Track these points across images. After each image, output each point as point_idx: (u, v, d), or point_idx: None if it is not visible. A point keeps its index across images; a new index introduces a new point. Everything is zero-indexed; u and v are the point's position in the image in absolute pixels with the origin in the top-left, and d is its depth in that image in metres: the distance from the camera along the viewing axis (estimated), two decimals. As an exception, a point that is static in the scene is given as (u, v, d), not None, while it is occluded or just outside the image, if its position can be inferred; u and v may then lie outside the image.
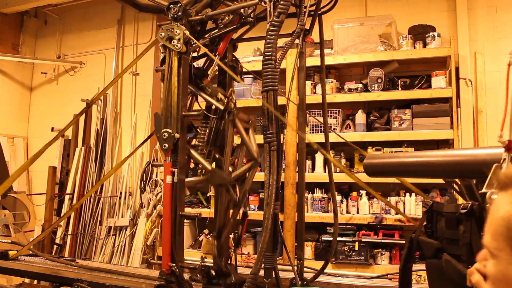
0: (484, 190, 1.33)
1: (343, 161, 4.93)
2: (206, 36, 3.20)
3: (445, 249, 1.68)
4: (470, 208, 1.59)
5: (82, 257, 5.69)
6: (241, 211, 3.15)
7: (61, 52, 7.11)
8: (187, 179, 3.06)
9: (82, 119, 6.38)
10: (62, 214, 6.05)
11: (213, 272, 3.07)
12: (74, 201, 6.01)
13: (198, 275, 3.04)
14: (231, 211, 3.05)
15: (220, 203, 3.23)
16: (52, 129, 6.34)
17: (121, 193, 5.99)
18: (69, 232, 5.98)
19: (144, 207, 5.43)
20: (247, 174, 3.05)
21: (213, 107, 3.12)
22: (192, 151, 3.04)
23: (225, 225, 3.17)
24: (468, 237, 1.58)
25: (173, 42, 2.94)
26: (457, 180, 1.86)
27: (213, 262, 3.07)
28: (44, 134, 6.35)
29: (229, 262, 3.43)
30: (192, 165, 3.20)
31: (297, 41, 3.31)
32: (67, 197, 6.16)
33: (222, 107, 3.01)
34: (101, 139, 6.29)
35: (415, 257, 1.88)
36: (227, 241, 3.21)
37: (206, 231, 5.28)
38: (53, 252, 5.91)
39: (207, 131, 3.17)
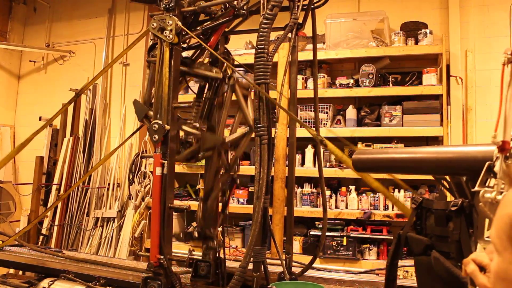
0: (476, 188, 1.33)
1: (332, 156, 4.93)
2: (199, 28, 3.17)
3: (434, 246, 1.68)
4: (460, 206, 1.59)
5: (68, 248, 5.64)
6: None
7: (50, 41, 7.01)
8: (180, 155, 3.05)
9: (70, 109, 6.31)
10: (49, 205, 6.00)
11: (196, 234, 3.07)
12: (62, 192, 5.95)
13: (181, 235, 3.04)
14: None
15: (209, 167, 3.22)
16: (40, 118, 6.26)
17: (109, 184, 5.95)
18: (56, 222, 5.93)
19: (132, 198, 5.40)
20: (241, 140, 3.06)
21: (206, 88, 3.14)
22: (183, 126, 3.03)
23: (213, 189, 3.16)
24: (457, 234, 1.58)
25: (165, 32, 2.91)
26: (446, 177, 1.86)
27: (197, 224, 3.06)
28: (32, 123, 6.26)
29: (217, 255, 3.44)
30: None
31: (289, 35, 3.30)
32: (54, 187, 6.11)
33: (220, 76, 3.02)
34: (89, 129, 6.23)
35: (402, 253, 1.88)
36: (213, 205, 3.21)
37: (194, 223, 5.27)
38: (39, 243, 5.86)
39: (200, 108, 3.19)
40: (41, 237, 5.96)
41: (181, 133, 3.17)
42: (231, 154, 3.27)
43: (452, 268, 1.50)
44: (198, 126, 3.15)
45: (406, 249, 1.84)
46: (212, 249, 3.08)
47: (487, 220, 1.33)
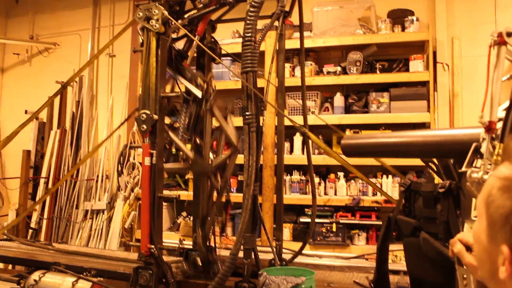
0: (464, 168, 1.35)
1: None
2: (185, 16, 3.15)
3: (422, 228, 1.71)
4: (448, 187, 1.62)
5: (58, 241, 5.62)
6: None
7: (34, 33, 6.90)
8: (168, 165, 3.05)
9: (57, 101, 6.24)
10: (37, 198, 5.96)
11: (199, 262, 3.10)
12: (50, 185, 5.91)
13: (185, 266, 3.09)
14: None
15: (202, 191, 3.23)
16: (26, 112, 6.19)
17: (98, 176, 5.92)
18: (45, 216, 5.89)
19: (121, 190, 5.38)
20: (228, 161, 3.06)
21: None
22: (174, 137, 3.02)
23: (209, 213, 3.18)
24: (445, 215, 1.61)
25: (151, 22, 2.89)
26: (434, 160, 1.88)
27: (199, 251, 3.10)
28: (17, 117, 6.17)
29: (207, 243, 3.45)
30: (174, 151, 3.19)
31: (276, 23, 3.29)
32: (42, 181, 6.06)
33: (200, 95, 3.00)
34: (77, 122, 6.17)
35: (392, 236, 1.91)
36: (211, 230, 3.23)
37: (184, 213, 5.27)
38: (28, 237, 5.82)
39: (188, 115, 3.17)
40: (30, 231, 5.92)
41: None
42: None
43: (441, 248, 1.53)
44: (186, 137, 3.13)
45: (395, 234, 1.87)
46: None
47: (474, 200, 1.36)
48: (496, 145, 1.37)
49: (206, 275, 3.29)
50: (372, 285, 2.02)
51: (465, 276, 1.30)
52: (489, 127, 1.36)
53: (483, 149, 1.39)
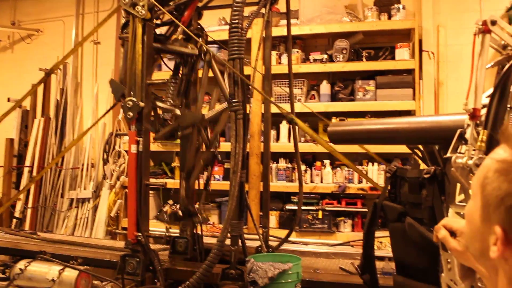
0: (449, 154, 1.37)
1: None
2: (171, 3, 3.12)
3: (408, 213, 1.73)
4: (433, 173, 1.64)
5: (43, 230, 5.57)
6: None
7: (16, 19, 6.77)
8: (160, 133, 3.04)
9: (40, 89, 6.14)
10: (21, 187, 5.89)
11: (180, 213, 3.12)
12: (34, 174, 5.85)
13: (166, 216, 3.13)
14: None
15: (190, 144, 3.23)
16: (9, 100, 6.09)
17: (83, 164, 5.87)
18: (29, 205, 5.83)
19: (107, 178, 5.35)
20: (221, 116, 3.06)
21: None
22: (160, 104, 3.02)
23: (195, 167, 3.18)
24: (430, 200, 1.63)
25: (137, 8, 2.86)
26: (420, 146, 1.91)
27: (180, 203, 3.11)
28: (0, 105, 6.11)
29: (194, 231, 3.46)
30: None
31: (263, 10, 3.28)
32: (26, 169, 5.99)
33: (196, 52, 3.01)
34: (61, 110, 6.10)
35: (378, 221, 1.93)
36: (195, 182, 3.25)
37: (170, 201, 5.27)
38: (13, 226, 5.76)
39: (179, 82, 3.18)
40: (15, 220, 5.86)
41: (159, 111, 3.15)
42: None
43: (426, 233, 1.55)
44: (176, 103, 3.14)
45: (380, 221, 1.89)
46: (198, 223, 3.14)
47: (458, 185, 1.38)
48: (480, 131, 1.39)
49: (193, 262, 3.31)
50: (359, 270, 2.05)
51: (449, 260, 1.33)
52: (473, 114, 1.38)
53: (467, 135, 1.41)
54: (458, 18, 4.89)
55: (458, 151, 1.40)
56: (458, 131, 1.40)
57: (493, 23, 1.41)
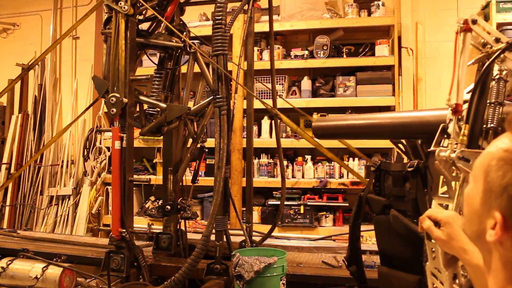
0: (432, 148, 1.41)
1: (289, 127, 5.00)
2: (153, -2, 3.11)
3: (392, 206, 1.78)
4: (416, 166, 1.68)
5: (23, 228, 5.49)
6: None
7: (-9, 13, 6.64)
8: (146, 128, 3.04)
9: (17, 85, 6.03)
10: (-1, 185, 5.80)
11: (168, 207, 3.13)
12: (12, 171, 5.75)
13: (153, 210, 3.16)
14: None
15: (177, 138, 3.24)
16: (-15, 95, 5.98)
17: (62, 161, 5.80)
18: (7, 203, 5.74)
19: (88, 175, 5.29)
20: (207, 108, 3.08)
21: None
22: (143, 97, 3.02)
23: (182, 160, 3.19)
24: (414, 193, 1.68)
25: (120, 3, 2.85)
26: (402, 140, 1.95)
27: (168, 198, 3.13)
28: (-25, 101, 5.99)
29: (178, 227, 3.47)
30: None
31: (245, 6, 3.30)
32: (3, 166, 5.88)
33: (181, 44, 3.01)
34: (39, 106, 6.01)
35: (363, 214, 1.97)
36: (183, 176, 3.27)
37: (152, 198, 5.25)
38: (-10, 224, 5.67)
39: (162, 80, 3.19)
40: (-8, 218, 5.77)
41: (145, 106, 3.15)
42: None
43: (410, 224, 1.60)
44: (161, 98, 3.14)
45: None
46: (187, 218, 3.17)
47: (441, 178, 1.43)
48: (462, 125, 1.44)
49: (177, 258, 3.32)
50: (345, 262, 2.09)
51: (433, 249, 1.37)
52: (455, 109, 1.43)
53: (450, 130, 1.46)
54: (436, 15, 4.99)
55: (441, 145, 1.45)
56: (441, 125, 1.45)
57: (474, 22, 1.46)
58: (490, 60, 1.44)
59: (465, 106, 1.50)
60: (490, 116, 1.46)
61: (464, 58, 1.45)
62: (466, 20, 1.46)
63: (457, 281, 1.31)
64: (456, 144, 1.40)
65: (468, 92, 1.54)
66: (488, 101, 1.47)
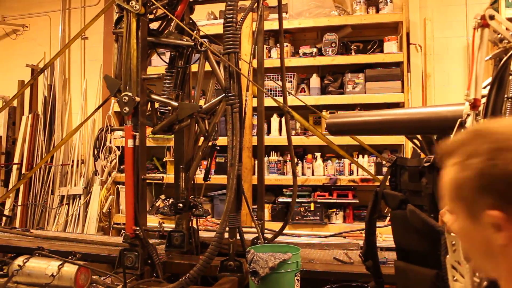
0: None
1: (298, 124, 5.01)
2: (163, -3, 3.13)
3: (408, 201, 1.79)
4: (432, 162, 1.69)
5: (35, 227, 5.54)
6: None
7: (1, 14, 6.68)
8: (158, 126, 3.06)
9: (27, 85, 6.09)
10: (10, 185, 5.84)
11: (180, 205, 3.15)
12: (23, 171, 5.80)
13: (166, 208, 3.17)
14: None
15: (188, 136, 3.26)
16: (-6, 96, 6.03)
17: (73, 161, 5.84)
18: (19, 203, 5.79)
19: (98, 174, 5.33)
20: (218, 106, 3.09)
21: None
22: (155, 96, 3.03)
23: (193, 158, 3.21)
24: (430, 188, 1.68)
25: (131, 3, 2.86)
26: (418, 136, 1.96)
27: (180, 196, 3.15)
28: (-15, 102, 6.03)
29: (190, 224, 3.49)
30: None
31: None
32: (15, 167, 5.94)
33: (191, 43, 3.03)
34: (49, 106, 6.05)
35: (380, 209, 1.98)
36: (195, 173, 3.29)
37: (163, 196, 5.28)
38: (3, 224, 5.71)
39: (174, 76, 3.21)
40: (4, 218, 5.81)
41: (156, 105, 3.16)
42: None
43: (428, 218, 1.61)
44: (172, 97, 3.16)
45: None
46: (200, 216, 3.19)
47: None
48: (480, 120, 1.45)
49: (189, 256, 3.34)
50: (361, 256, 2.10)
51: (453, 242, 1.38)
52: (474, 104, 1.44)
53: (468, 124, 1.46)
54: (444, 12, 4.98)
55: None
56: (459, 120, 1.45)
57: (491, 17, 1.46)
58: (508, 55, 1.45)
59: (483, 100, 1.50)
60: (508, 110, 1.47)
61: (482, 53, 1.46)
62: (484, 15, 1.46)
63: (477, 273, 1.32)
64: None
65: (484, 87, 1.55)
66: (505, 96, 1.48)
